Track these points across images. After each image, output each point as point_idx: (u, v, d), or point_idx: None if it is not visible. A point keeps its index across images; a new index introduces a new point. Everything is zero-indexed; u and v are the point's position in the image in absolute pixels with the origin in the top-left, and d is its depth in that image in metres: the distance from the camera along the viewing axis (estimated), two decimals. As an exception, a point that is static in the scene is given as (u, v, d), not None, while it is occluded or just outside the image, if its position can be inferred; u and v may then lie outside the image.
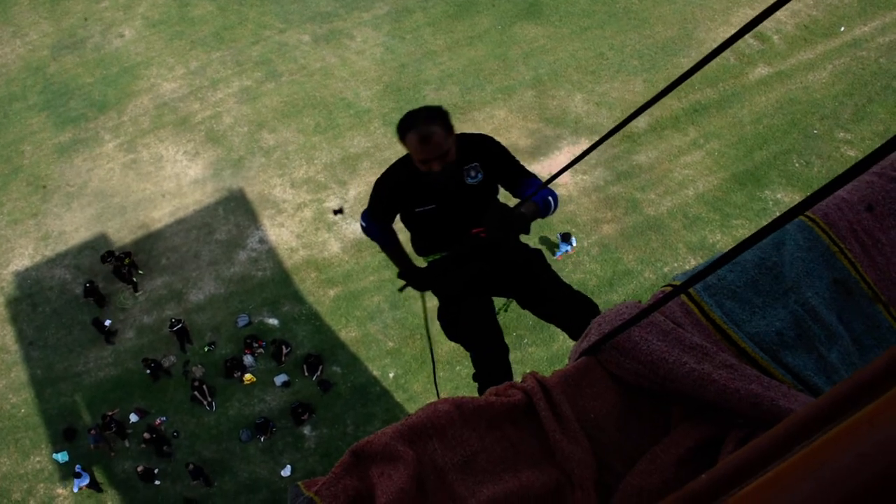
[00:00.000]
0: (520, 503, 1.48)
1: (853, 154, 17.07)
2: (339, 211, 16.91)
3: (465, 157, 3.15)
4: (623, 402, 1.64)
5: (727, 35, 19.31)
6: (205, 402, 14.79)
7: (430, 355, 4.49)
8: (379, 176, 3.32)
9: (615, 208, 16.64)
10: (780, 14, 19.70)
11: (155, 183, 18.10)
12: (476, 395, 3.07)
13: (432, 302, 3.59)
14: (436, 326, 3.54)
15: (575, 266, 15.76)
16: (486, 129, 17.98)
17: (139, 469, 13.91)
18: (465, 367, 14.06)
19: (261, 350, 15.33)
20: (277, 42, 20.69)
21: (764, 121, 17.90)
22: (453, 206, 3.21)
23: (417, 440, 1.54)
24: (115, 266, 16.20)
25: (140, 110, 19.52)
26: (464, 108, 18.58)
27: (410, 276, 3.53)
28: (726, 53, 18.71)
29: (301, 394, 14.84)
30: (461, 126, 18.14)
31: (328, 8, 21.38)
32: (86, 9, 22.22)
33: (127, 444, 14.57)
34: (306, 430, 14.52)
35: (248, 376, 15.03)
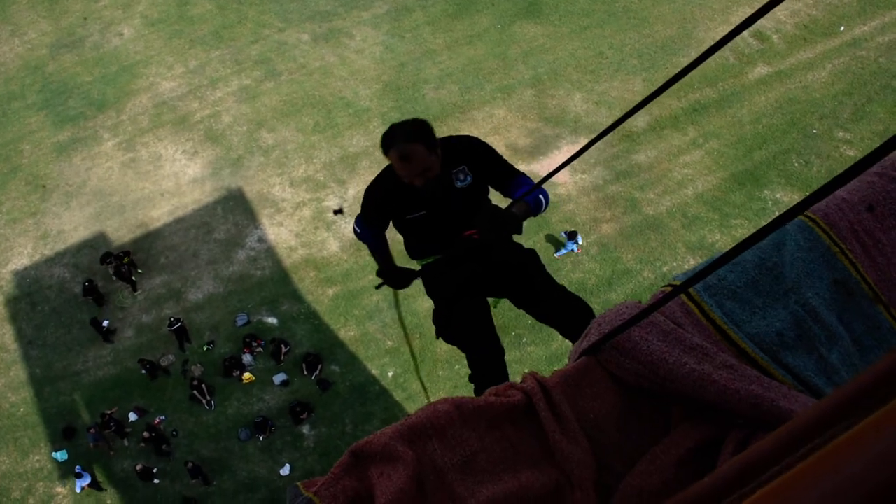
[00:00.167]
0: (519, 503, 1.48)
1: (852, 154, 17.07)
2: (339, 211, 16.91)
3: (453, 160, 3.15)
4: (623, 403, 1.63)
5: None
6: (204, 401, 14.79)
7: (410, 351, 4.54)
8: (368, 184, 3.35)
9: (614, 207, 16.64)
10: (779, 13, 19.71)
11: (154, 182, 18.08)
12: (473, 395, 3.07)
13: (428, 302, 3.59)
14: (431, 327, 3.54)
15: (574, 265, 15.76)
16: (485, 128, 17.99)
17: (138, 468, 13.91)
18: (464, 367, 14.03)
19: (260, 349, 15.33)
20: (277, 41, 20.67)
21: (763, 120, 17.91)
22: (444, 211, 3.23)
23: (417, 440, 1.54)
24: (116, 266, 16.19)
25: (139, 109, 19.50)
26: (463, 107, 18.57)
27: (388, 275, 3.53)
28: (725, 53, 18.72)
29: (300, 393, 14.84)
30: (461, 125, 18.15)
31: (327, 7, 21.36)
32: (85, 7, 22.19)
33: (126, 443, 14.57)
34: (305, 429, 14.52)
35: (246, 375, 15.03)
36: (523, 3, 20.82)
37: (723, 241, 15.94)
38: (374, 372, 14.97)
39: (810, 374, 1.59)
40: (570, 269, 15.67)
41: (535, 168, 17.11)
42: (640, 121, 17.68)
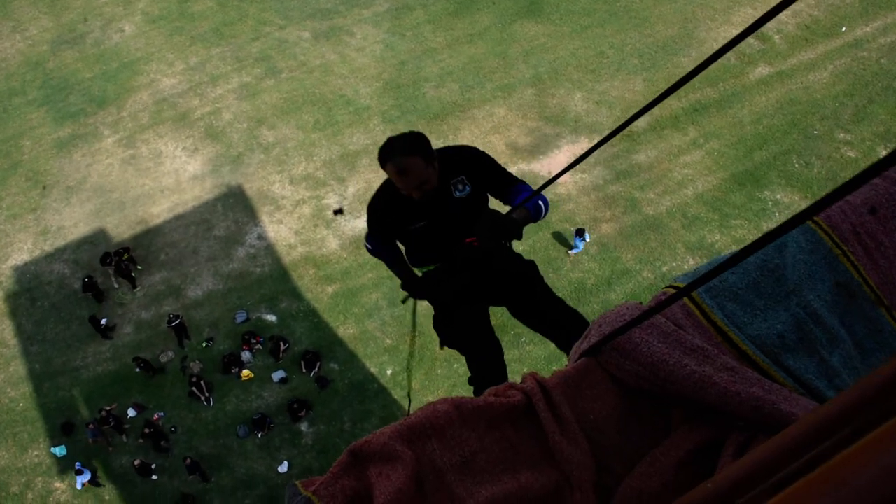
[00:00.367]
0: (518, 504, 1.47)
1: (853, 155, 17.06)
2: (339, 211, 16.91)
3: (451, 170, 3.18)
4: (623, 404, 1.63)
5: (728, 34, 19.32)
6: (202, 398, 14.79)
7: (408, 356, 4.57)
8: (370, 200, 3.39)
9: (614, 207, 16.63)
10: (781, 14, 19.67)
11: (154, 179, 18.07)
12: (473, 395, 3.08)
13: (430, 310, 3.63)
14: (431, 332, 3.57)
15: (573, 265, 15.76)
16: (485, 127, 17.98)
17: (136, 463, 13.92)
18: (463, 365, 14.03)
19: (259, 346, 15.33)
20: (277, 38, 20.65)
21: (764, 121, 17.90)
22: (444, 221, 3.25)
23: (416, 440, 1.53)
24: (115, 263, 16.20)
25: (139, 106, 19.48)
26: (463, 105, 18.55)
27: (412, 287, 3.63)
28: (727, 53, 18.70)
29: (298, 390, 14.85)
30: (461, 124, 18.14)
31: (328, 5, 21.34)
32: (85, 4, 22.17)
33: (125, 438, 14.57)
34: (303, 426, 14.53)
35: (245, 372, 15.03)
36: (524, 1, 20.80)
37: (722, 242, 15.93)
38: (373, 370, 14.97)
39: (811, 376, 1.59)
40: (569, 268, 15.66)
41: (535, 167, 17.11)
42: (640, 121, 17.67)
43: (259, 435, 14.39)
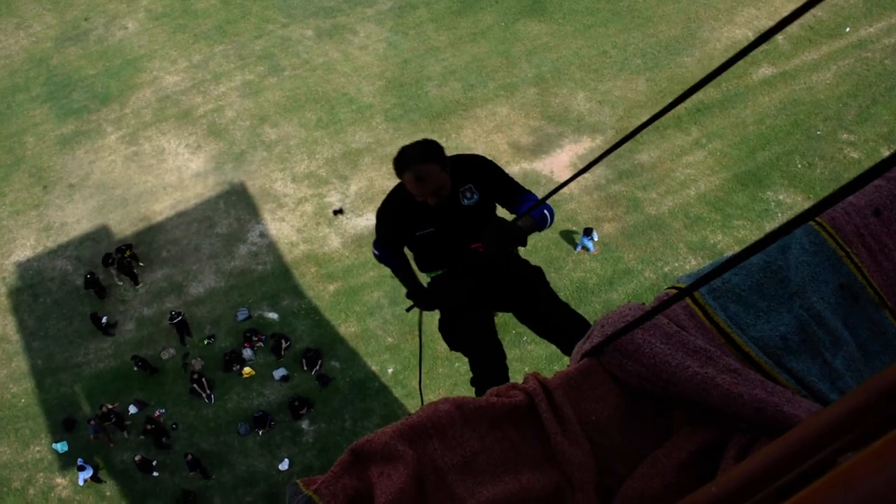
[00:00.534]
0: (520, 505, 1.47)
1: (856, 156, 17.02)
2: (339, 211, 16.92)
3: (460, 178, 3.23)
4: (625, 405, 1.63)
5: (731, 35, 19.30)
6: (204, 395, 14.81)
7: (419, 368, 4.63)
8: (379, 206, 3.44)
9: (616, 207, 16.61)
10: (784, 13, 19.61)
11: (156, 176, 18.09)
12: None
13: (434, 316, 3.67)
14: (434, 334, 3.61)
15: (575, 264, 15.74)
16: (488, 126, 17.96)
17: (136, 458, 13.94)
18: (464, 365, 14.03)
19: (260, 344, 15.34)
20: (280, 36, 20.65)
21: (767, 121, 17.86)
22: (451, 227, 3.30)
23: (417, 440, 1.53)
24: (118, 260, 16.22)
25: (142, 103, 19.50)
26: (466, 104, 18.54)
27: (417, 297, 3.68)
28: (729, 52, 18.65)
29: (299, 388, 14.86)
30: (463, 123, 18.13)
31: (331, 3, 21.33)
32: (89, 1, 22.18)
33: (126, 435, 14.59)
34: (304, 424, 14.54)
35: (246, 370, 15.04)
36: (527, 1, 20.77)
37: (725, 242, 15.91)
38: (374, 368, 14.97)
39: (814, 378, 1.58)
40: (571, 268, 15.65)
41: (538, 166, 17.10)
42: (643, 120, 17.63)
43: (260, 432, 14.41)
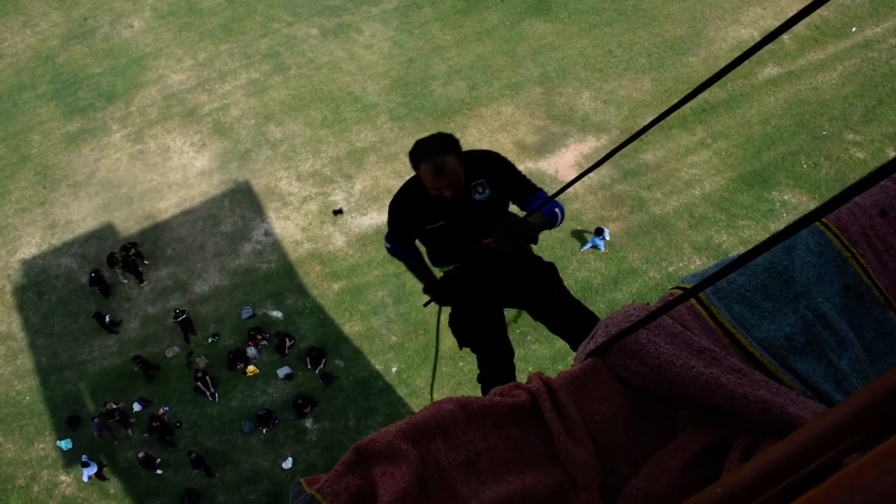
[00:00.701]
0: (523, 504, 1.47)
1: (862, 156, 16.96)
2: (338, 211, 16.94)
3: (473, 173, 3.23)
4: (629, 405, 1.62)
5: (737, 34, 19.24)
6: (207, 393, 14.84)
7: (433, 366, 4.62)
8: (391, 198, 3.44)
9: (621, 207, 16.59)
10: (791, 13, 19.54)
11: (162, 174, 18.13)
12: (479, 394, 3.09)
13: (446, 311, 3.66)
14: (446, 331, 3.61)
15: (580, 264, 15.73)
16: (492, 125, 17.95)
17: (140, 455, 13.97)
18: (467, 364, 14.06)
19: (264, 342, 15.37)
20: (286, 35, 20.67)
21: (772, 121, 17.80)
22: (462, 222, 3.30)
23: (421, 439, 1.53)
24: (123, 258, 16.27)
25: (148, 101, 19.54)
26: (471, 103, 18.53)
27: (434, 292, 3.67)
28: (734, 52, 18.60)
29: (303, 386, 14.88)
30: (468, 122, 18.12)
31: (337, 2, 21.35)
32: (95, 0, 22.26)
33: (130, 433, 14.64)
34: (308, 422, 14.56)
35: (251, 368, 15.07)
36: (533, 0, 20.75)
37: (730, 242, 15.87)
38: (378, 367, 14.98)
39: (819, 379, 1.58)
40: (575, 267, 15.63)
41: (542, 166, 17.07)
42: (648, 119, 17.59)
43: (264, 431, 14.44)
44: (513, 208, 3.49)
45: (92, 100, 19.71)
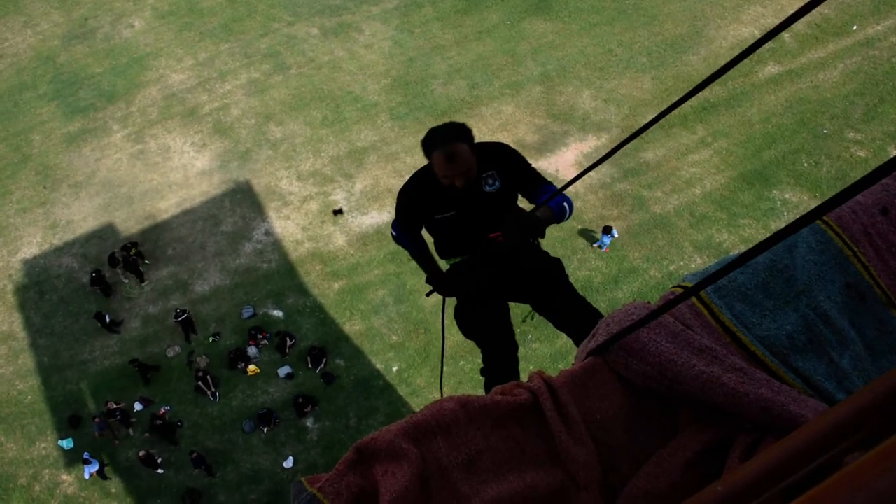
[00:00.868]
0: (524, 503, 1.47)
1: (863, 154, 16.94)
2: (338, 211, 16.94)
3: (483, 165, 3.22)
4: (630, 404, 1.62)
5: (737, 33, 19.22)
6: (208, 393, 14.85)
7: (441, 357, 4.59)
8: (401, 186, 3.42)
9: (621, 205, 16.58)
10: (791, 12, 19.53)
11: (162, 174, 18.13)
12: (481, 388, 3.09)
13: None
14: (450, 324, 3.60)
15: (580, 263, 15.72)
16: (493, 125, 17.94)
17: (141, 454, 13.98)
18: (469, 363, 14.07)
19: (265, 342, 15.37)
20: (286, 35, 20.67)
21: (773, 120, 17.79)
22: (472, 213, 3.29)
23: (422, 438, 1.53)
24: (123, 258, 16.28)
25: (148, 101, 19.55)
26: (471, 102, 18.53)
27: (437, 282, 3.65)
28: (735, 51, 18.58)
29: (304, 386, 14.88)
30: (469, 121, 18.08)
31: (337, 1, 21.34)
32: (96, 0, 22.26)
33: (131, 432, 14.65)
34: (309, 422, 14.56)
35: (251, 367, 15.07)
36: (533, -2, 20.76)
37: (730, 241, 15.86)
38: (379, 366, 14.99)
39: (821, 378, 1.57)
40: (576, 266, 15.63)
41: (543, 165, 17.06)
42: (648, 118, 17.58)
43: (265, 430, 14.44)
44: (521, 202, 3.49)
45: (93, 100, 19.72)
